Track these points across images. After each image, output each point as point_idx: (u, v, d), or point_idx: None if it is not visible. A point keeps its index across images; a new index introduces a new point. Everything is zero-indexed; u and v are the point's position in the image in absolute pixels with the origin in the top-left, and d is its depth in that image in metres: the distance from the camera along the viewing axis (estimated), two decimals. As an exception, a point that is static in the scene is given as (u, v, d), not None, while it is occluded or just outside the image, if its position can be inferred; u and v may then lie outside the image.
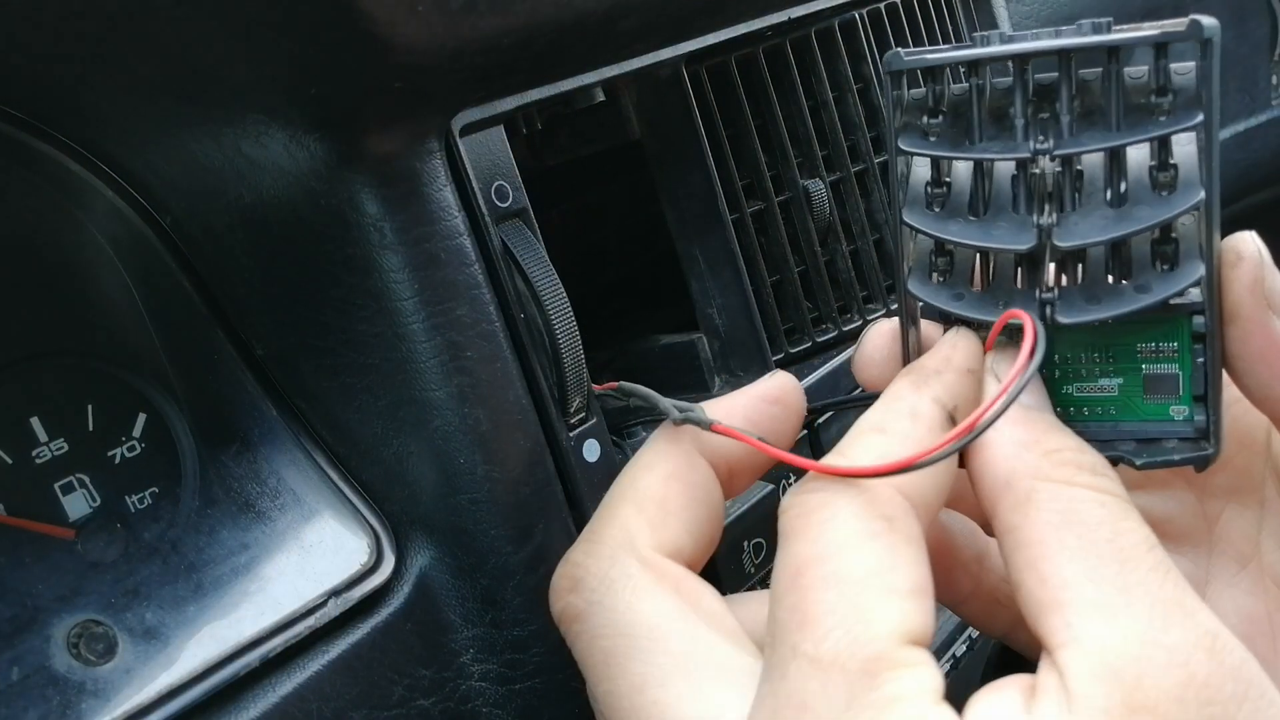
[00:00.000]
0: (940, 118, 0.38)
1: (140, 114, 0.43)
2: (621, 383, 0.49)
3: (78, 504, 0.44)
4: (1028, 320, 0.36)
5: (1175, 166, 0.36)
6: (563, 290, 0.44)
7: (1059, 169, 0.36)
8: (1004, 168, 0.38)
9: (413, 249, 0.41)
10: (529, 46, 0.41)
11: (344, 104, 0.39)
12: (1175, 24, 0.35)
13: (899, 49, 0.38)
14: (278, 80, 0.38)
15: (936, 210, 0.39)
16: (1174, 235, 0.37)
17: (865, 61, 0.61)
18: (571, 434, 0.46)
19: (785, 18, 0.56)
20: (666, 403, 0.44)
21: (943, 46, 0.38)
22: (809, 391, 0.57)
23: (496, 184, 0.44)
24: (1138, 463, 0.39)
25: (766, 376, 0.44)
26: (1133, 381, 0.40)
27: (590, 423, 0.47)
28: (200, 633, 0.41)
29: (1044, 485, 0.34)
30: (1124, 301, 0.36)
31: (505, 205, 0.44)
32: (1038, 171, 0.36)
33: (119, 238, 0.46)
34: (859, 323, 0.61)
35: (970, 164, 0.38)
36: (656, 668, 0.36)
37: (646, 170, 0.57)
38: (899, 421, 0.36)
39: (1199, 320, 0.38)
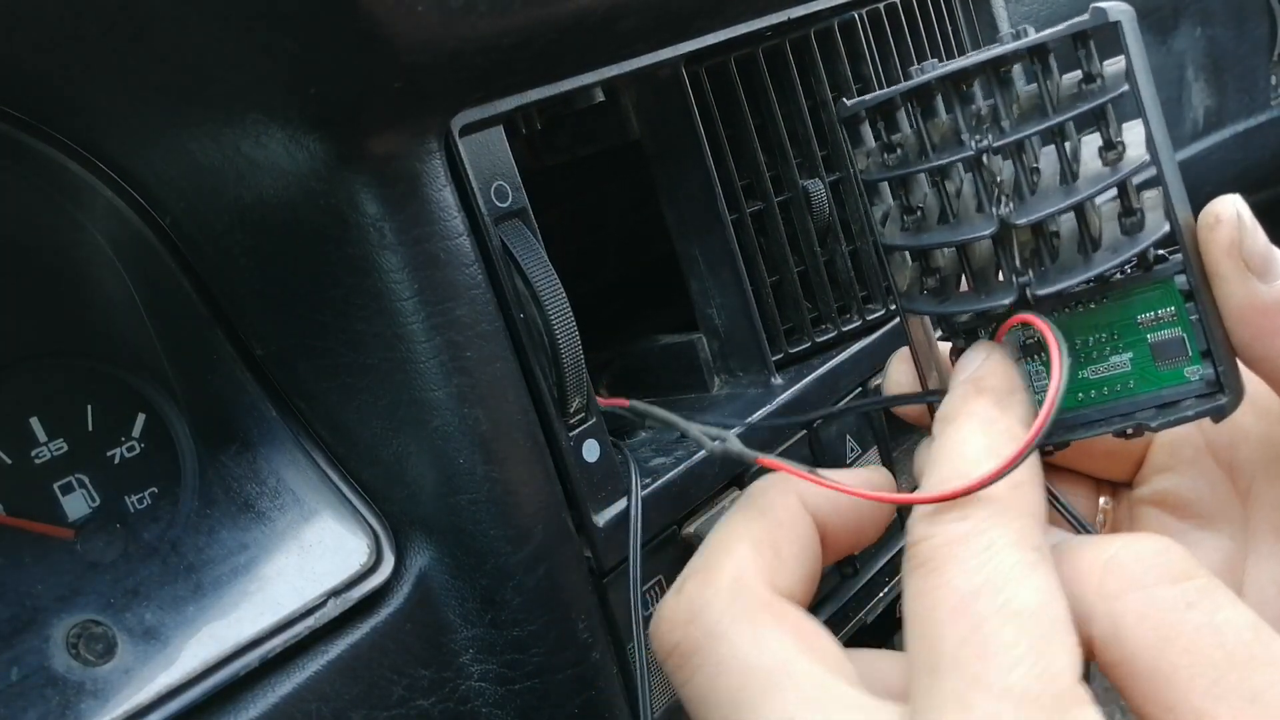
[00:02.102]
0: (897, 151, 0.42)
1: (140, 114, 0.43)
2: (634, 403, 0.49)
3: (77, 504, 0.44)
4: (1034, 320, 0.40)
5: (1122, 143, 0.39)
6: (562, 290, 0.44)
7: (1008, 162, 0.40)
8: (968, 188, 0.41)
9: (412, 249, 0.41)
10: (528, 46, 0.41)
11: (344, 104, 0.39)
12: (1083, 17, 0.38)
13: (844, 99, 0.43)
14: (277, 80, 0.38)
15: (911, 231, 0.42)
16: (1137, 206, 0.39)
17: (865, 62, 0.61)
18: (571, 434, 0.46)
19: (785, 18, 0.56)
20: (696, 429, 0.45)
21: (885, 89, 0.42)
22: (810, 389, 0.57)
23: (496, 184, 0.44)
24: (1153, 424, 0.40)
25: (868, 470, 0.45)
26: (1142, 353, 0.41)
27: (590, 423, 0.47)
28: (200, 633, 0.41)
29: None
30: (1094, 266, 0.39)
31: (505, 205, 0.44)
32: (987, 166, 0.40)
33: (118, 238, 0.46)
34: (858, 323, 0.61)
35: (936, 188, 0.41)
36: (793, 706, 0.35)
37: (646, 170, 0.57)
38: (1005, 444, 0.37)
39: (1181, 279, 0.40)
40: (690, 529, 0.50)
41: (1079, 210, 0.39)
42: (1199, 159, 1.10)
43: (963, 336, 0.44)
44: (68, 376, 0.45)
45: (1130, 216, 0.39)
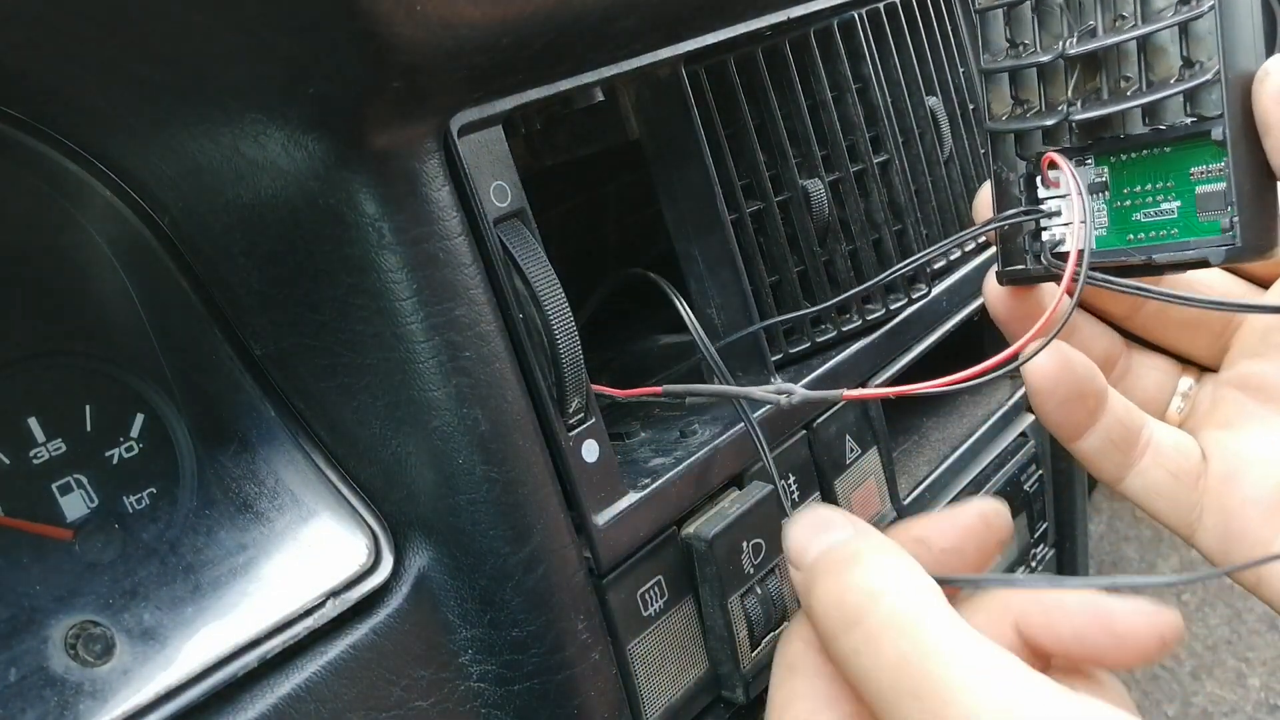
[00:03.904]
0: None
1: (138, 114, 0.43)
2: (667, 387, 0.50)
3: (75, 504, 0.44)
4: (1054, 156, 0.46)
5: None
6: (561, 290, 0.44)
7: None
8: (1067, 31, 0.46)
9: (411, 249, 0.41)
10: (527, 46, 0.41)
11: (342, 103, 0.39)
12: None
13: None
14: (276, 80, 0.38)
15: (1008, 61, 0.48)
16: (1197, 57, 0.42)
17: (864, 61, 0.61)
18: (570, 434, 0.46)
19: (784, 17, 0.56)
20: (758, 391, 0.47)
21: None
22: (809, 390, 0.57)
23: (495, 184, 0.44)
24: (1157, 258, 0.44)
25: (981, 500, 0.46)
26: (1188, 202, 0.44)
27: (589, 423, 0.47)
28: (198, 633, 0.41)
29: None
30: (1129, 100, 0.43)
31: (504, 205, 0.44)
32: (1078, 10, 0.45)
33: (117, 238, 0.46)
34: (858, 323, 0.60)
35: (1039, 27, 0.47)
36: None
37: (645, 170, 0.57)
38: None
39: (1218, 131, 0.42)
40: (690, 529, 0.50)
41: (1139, 50, 0.43)
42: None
43: (1032, 162, 0.48)
44: (66, 376, 0.45)
45: (1188, 67, 0.42)
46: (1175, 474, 0.50)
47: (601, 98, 0.51)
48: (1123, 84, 0.44)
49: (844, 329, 0.60)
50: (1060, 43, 0.45)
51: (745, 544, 0.51)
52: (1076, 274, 0.45)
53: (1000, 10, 0.47)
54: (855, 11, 0.61)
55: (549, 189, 0.53)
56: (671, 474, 0.50)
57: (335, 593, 0.43)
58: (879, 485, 0.63)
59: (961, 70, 0.72)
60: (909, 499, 0.66)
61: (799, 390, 0.46)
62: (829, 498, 0.59)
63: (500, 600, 0.44)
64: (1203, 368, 0.54)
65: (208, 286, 0.47)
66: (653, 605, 0.49)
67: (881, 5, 0.63)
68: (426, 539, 0.45)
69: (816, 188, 0.58)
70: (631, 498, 0.48)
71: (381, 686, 0.43)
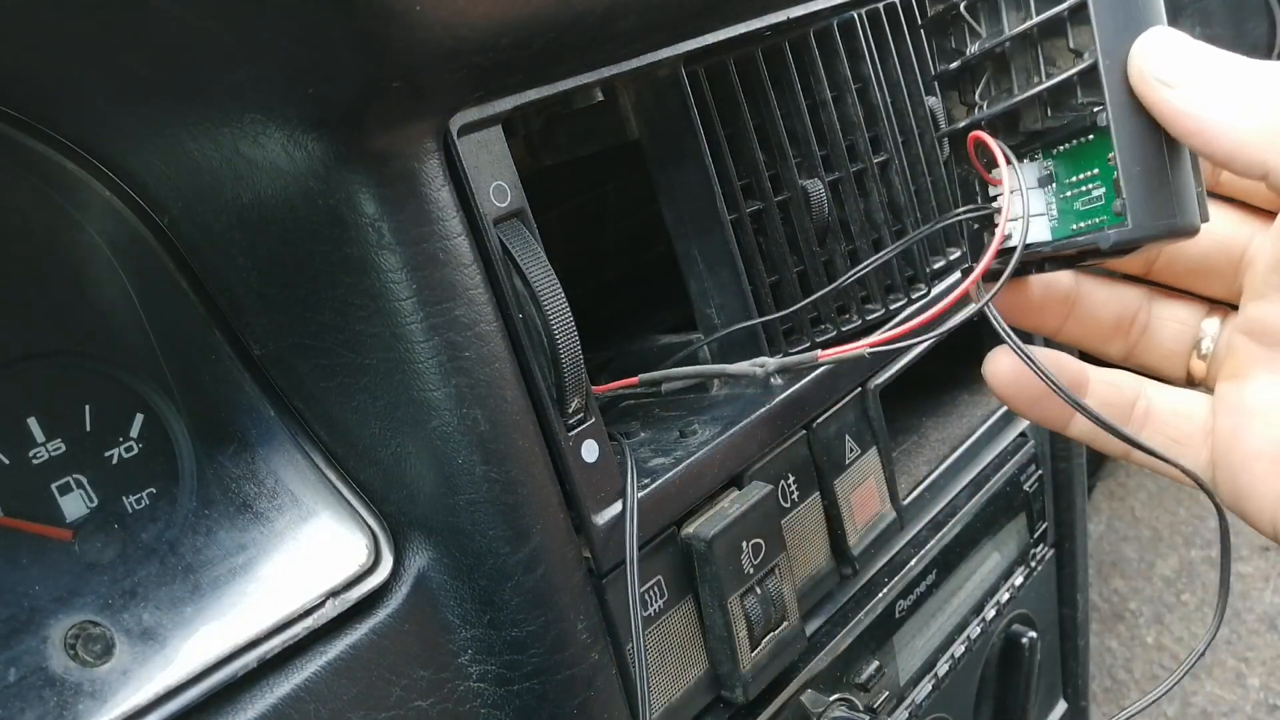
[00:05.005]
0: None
1: (137, 114, 0.43)
2: (643, 376, 0.50)
3: (75, 505, 0.44)
4: (980, 135, 0.47)
5: None
6: (561, 290, 0.44)
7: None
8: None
9: (411, 249, 0.41)
10: (527, 46, 0.41)
11: (342, 104, 0.39)
12: None
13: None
14: (275, 80, 0.38)
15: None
16: (1074, 46, 0.44)
17: (864, 61, 0.61)
18: (570, 434, 0.46)
19: (784, 18, 0.56)
20: (734, 367, 0.47)
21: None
22: (808, 389, 0.57)
23: (495, 184, 0.44)
24: (1063, 251, 0.46)
25: None
26: (1110, 187, 0.45)
27: (588, 423, 0.47)
28: (198, 634, 0.41)
29: None
30: (1019, 93, 0.46)
31: (503, 205, 0.44)
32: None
33: (116, 238, 0.46)
34: (858, 323, 0.60)
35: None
36: None
37: (645, 170, 0.57)
38: None
39: (1102, 116, 0.44)
40: (689, 529, 0.50)
41: (1035, 47, 0.45)
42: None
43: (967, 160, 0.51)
44: (66, 377, 0.45)
45: (1077, 57, 0.43)
46: (1177, 439, 0.51)
47: (601, 98, 0.51)
48: (1033, 80, 0.46)
49: (844, 329, 0.60)
50: (969, 47, 0.48)
51: (745, 544, 0.51)
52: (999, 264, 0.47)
53: (944, 18, 0.49)
54: (855, 11, 0.61)
55: (549, 189, 0.53)
56: (671, 474, 0.50)
57: (335, 593, 0.43)
58: (879, 485, 0.63)
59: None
60: (909, 499, 0.66)
61: (773, 361, 0.46)
62: (828, 498, 0.59)
63: (500, 600, 0.44)
64: (1233, 307, 0.53)
65: (207, 287, 0.47)
66: (652, 605, 0.49)
67: (881, 5, 0.62)
68: (426, 539, 0.45)
69: (816, 188, 0.58)
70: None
71: (381, 686, 0.43)
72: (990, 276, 0.50)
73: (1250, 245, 0.51)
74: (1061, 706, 0.87)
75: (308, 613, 0.42)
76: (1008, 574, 0.75)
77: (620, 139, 0.58)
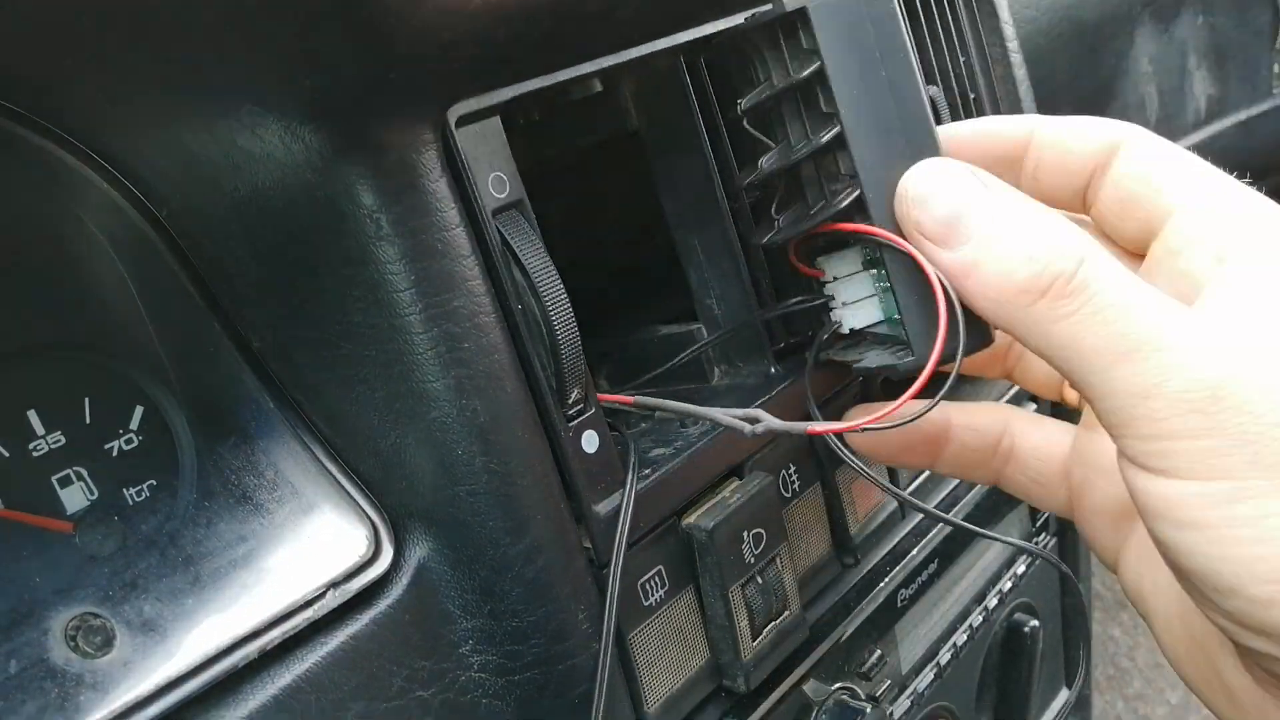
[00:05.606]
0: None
1: (135, 107, 0.43)
2: (638, 398, 0.50)
3: (75, 497, 0.44)
4: (857, 227, 0.45)
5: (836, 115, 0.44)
6: (560, 281, 0.44)
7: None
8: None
9: (409, 240, 0.41)
10: (526, 36, 0.41)
11: (339, 95, 0.39)
12: (765, 8, 0.45)
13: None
14: (273, 72, 0.38)
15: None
16: (839, 171, 0.45)
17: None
18: (570, 425, 0.46)
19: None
20: (723, 415, 0.48)
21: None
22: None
23: (493, 175, 0.44)
24: (864, 366, 0.47)
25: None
26: (890, 302, 0.46)
27: (588, 414, 0.47)
28: (198, 625, 0.41)
29: None
30: (802, 224, 0.47)
31: (502, 196, 0.44)
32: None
33: (115, 231, 0.46)
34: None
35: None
36: None
37: (644, 161, 0.57)
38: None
39: (870, 247, 0.45)
40: (690, 519, 0.50)
41: (810, 167, 0.46)
42: (1201, 147, 1.10)
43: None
44: (65, 369, 0.45)
45: (849, 181, 0.44)
46: (1037, 480, 0.52)
47: (600, 88, 0.50)
48: (818, 201, 0.46)
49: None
50: (761, 161, 0.48)
51: (746, 534, 0.51)
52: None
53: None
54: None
55: (547, 180, 0.53)
56: (672, 464, 0.50)
57: (335, 584, 0.43)
58: (880, 474, 0.63)
59: (962, 59, 0.71)
60: (910, 488, 0.66)
61: (766, 418, 0.46)
62: (829, 487, 0.59)
63: (500, 591, 0.44)
64: None
65: (206, 279, 0.47)
66: (653, 595, 0.49)
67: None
68: (426, 530, 0.45)
69: (816, 177, 0.58)
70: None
71: (382, 677, 0.43)
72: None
73: None
74: (1064, 694, 0.87)
75: (308, 604, 0.42)
76: (1010, 562, 0.75)
77: (620, 129, 0.58)
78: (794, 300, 0.52)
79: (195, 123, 0.42)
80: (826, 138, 0.44)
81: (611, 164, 0.68)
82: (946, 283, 0.40)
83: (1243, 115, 1.16)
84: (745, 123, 0.48)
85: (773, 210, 0.49)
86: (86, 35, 0.38)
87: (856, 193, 0.43)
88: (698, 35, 0.52)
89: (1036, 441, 0.51)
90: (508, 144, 0.45)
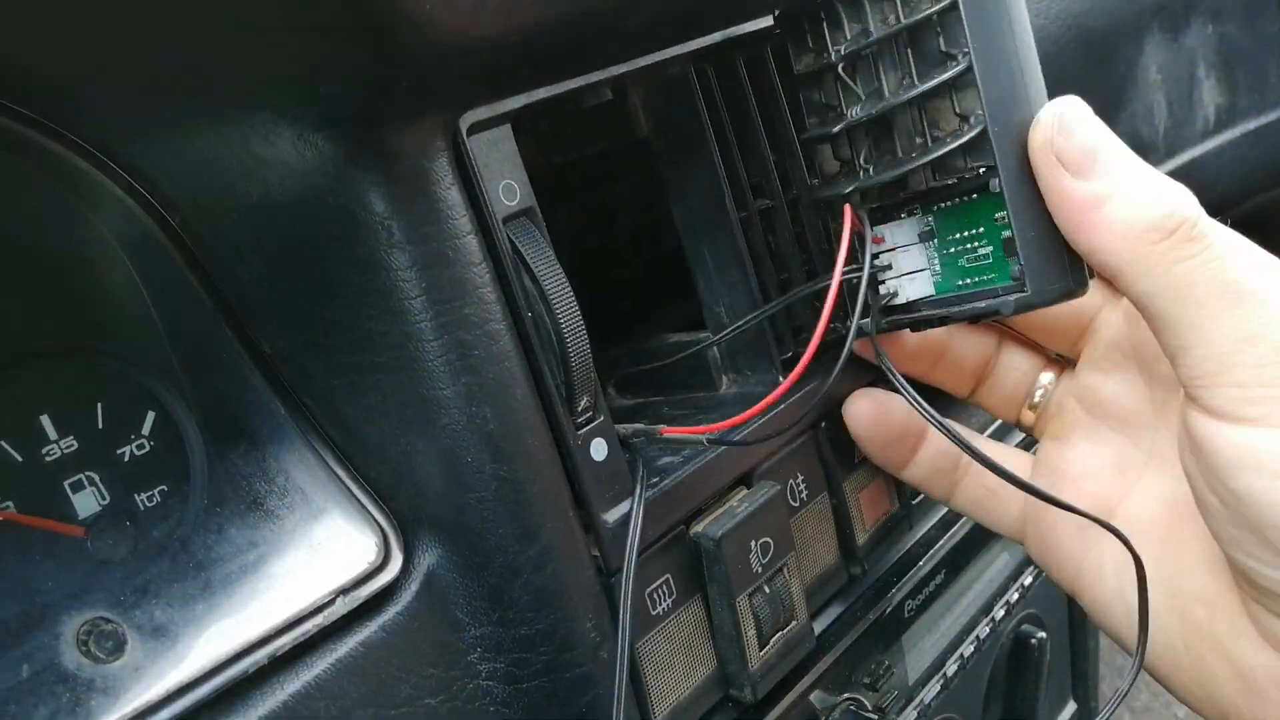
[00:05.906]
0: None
1: (149, 112, 0.43)
2: (619, 425, 0.51)
3: (87, 502, 0.44)
4: (846, 207, 0.49)
5: (959, 54, 0.43)
6: (570, 289, 0.44)
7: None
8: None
9: (420, 247, 0.41)
10: (537, 44, 0.41)
11: (352, 102, 0.39)
12: None
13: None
14: (286, 79, 0.38)
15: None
16: (960, 111, 0.44)
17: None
18: (579, 433, 0.46)
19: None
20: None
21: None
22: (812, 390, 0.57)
23: (504, 182, 0.44)
24: (954, 314, 0.47)
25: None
26: (998, 246, 0.46)
27: (597, 421, 0.47)
28: (209, 630, 0.41)
29: None
30: (904, 164, 0.46)
31: (513, 204, 0.44)
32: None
33: (128, 236, 0.46)
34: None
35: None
36: None
37: (654, 169, 0.57)
38: None
39: (994, 183, 0.44)
40: (698, 528, 0.50)
41: (920, 110, 0.45)
42: (1210, 157, 1.10)
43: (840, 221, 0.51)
44: (78, 374, 0.45)
45: (964, 122, 0.44)
46: (993, 490, 0.55)
47: (610, 96, 0.51)
48: (918, 142, 0.46)
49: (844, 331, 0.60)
50: (851, 110, 0.48)
51: (754, 543, 0.51)
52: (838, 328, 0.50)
53: (816, 73, 0.49)
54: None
55: (558, 187, 0.53)
56: (680, 473, 0.50)
57: (345, 590, 0.43)
58: (887, 484, 0.63)
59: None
60: (918, 499, 0.66)
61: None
62: (837, 497, 0.59)
63: (509, 598, 0.44)
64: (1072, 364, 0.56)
65: (218, 284, 0.47)
66: (661, 604, 0.49)
67: None
68: (435, 537, 0.45)
69: (826, 186, 0.58)
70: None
71: (390, 684, 0.43)
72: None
73: (1099, 315, 0.52)
74: (1071, 707, 0.87)
75: (318, 610, 0.42)
76: (1017, 574, 0.75)
77: (630, 137, 0.58)
78: (849, 269, 0.50)
79: (209, 128, 0.42)
80: (952, 74, 0.44)
81: (622, 172, 0.68)
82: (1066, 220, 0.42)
83: (1252, 124, 1.16)
84: (839, 70, 0.48)
85: (860, 159, 0.49)
86: (101, 41, 0.39)
87: (980, 128, 0.43)
88: (707, 43, 0.52)
89: (993, 453, 0.53)
90: (518, 152, 0.45)
